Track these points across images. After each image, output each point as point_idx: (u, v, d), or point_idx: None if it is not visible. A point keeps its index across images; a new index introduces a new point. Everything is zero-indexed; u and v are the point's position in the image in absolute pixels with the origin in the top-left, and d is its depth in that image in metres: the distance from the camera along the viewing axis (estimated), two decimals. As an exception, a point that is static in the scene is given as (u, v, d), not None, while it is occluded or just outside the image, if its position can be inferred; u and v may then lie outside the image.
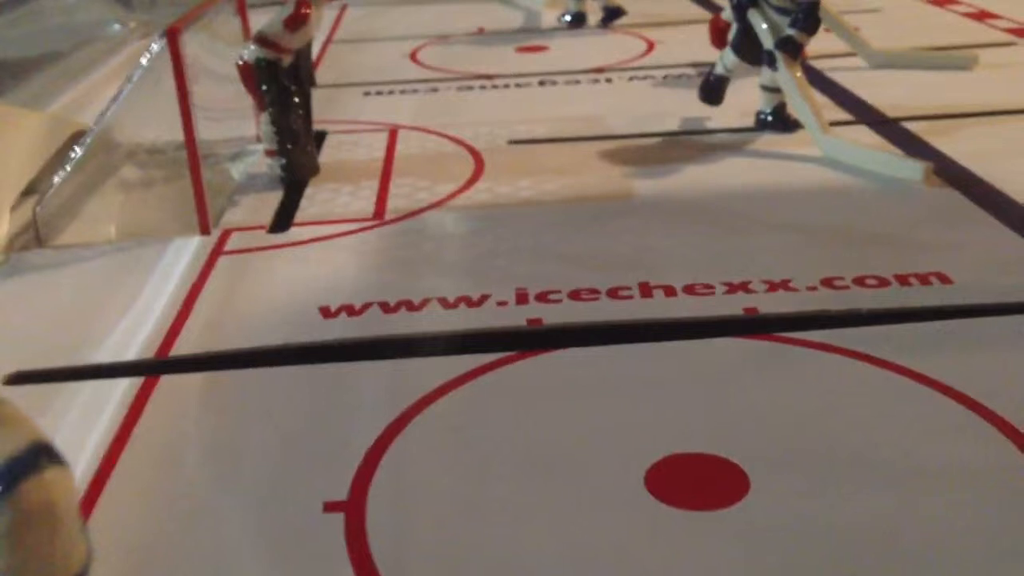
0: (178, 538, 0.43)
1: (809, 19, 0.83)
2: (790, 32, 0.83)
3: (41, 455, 0.21)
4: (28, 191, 0.79)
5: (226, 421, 0.51)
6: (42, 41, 1.25)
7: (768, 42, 0.84)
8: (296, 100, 0.80)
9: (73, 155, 0.75)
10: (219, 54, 0.87)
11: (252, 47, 0.78)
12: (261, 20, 0.91)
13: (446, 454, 0.47)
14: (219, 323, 0.61)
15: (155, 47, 0.72)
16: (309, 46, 0.81)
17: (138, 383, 0.54)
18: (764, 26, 0.84)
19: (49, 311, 0.64)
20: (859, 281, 0.60)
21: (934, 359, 0.52)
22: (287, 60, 0.79)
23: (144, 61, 0.73)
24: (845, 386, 0.51)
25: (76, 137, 0.81)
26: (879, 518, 0.41)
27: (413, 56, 1.27)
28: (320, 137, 0.93)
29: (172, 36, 0.67)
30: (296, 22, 0.77)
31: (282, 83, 0.79)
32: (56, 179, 0.74)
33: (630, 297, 0.59)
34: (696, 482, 0.44)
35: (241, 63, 0.79)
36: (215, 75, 0.83)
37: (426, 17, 1.52)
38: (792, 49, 0.84)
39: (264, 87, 0.79)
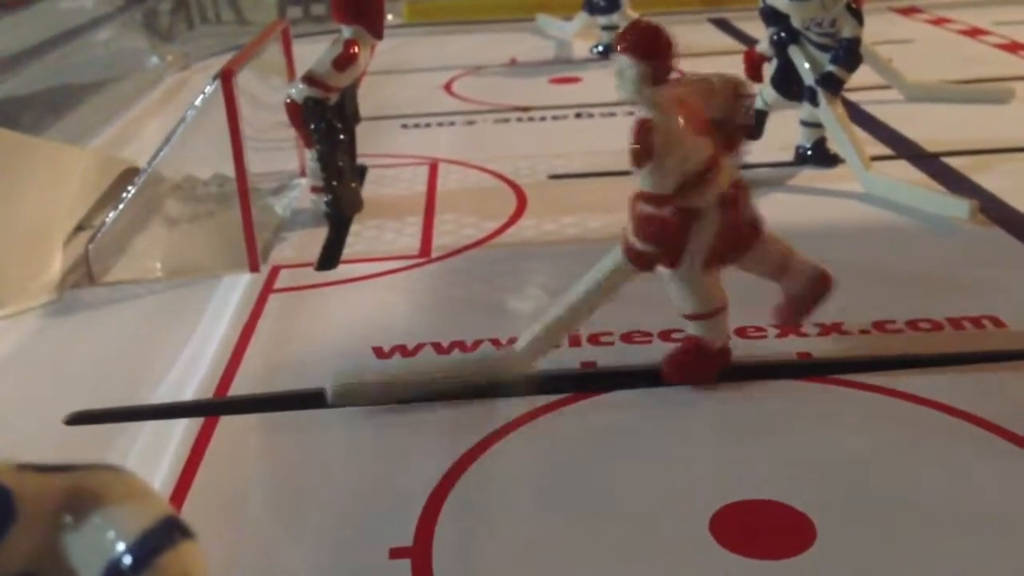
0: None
1: (850, 55, 0.84)
2: (831, 68, 0.84)
3: (174, 529, 0.22)
4: (78, 228, 0.81)
5: (287, 464, 0.52)
6: (81, 75, 1.27)
7: (809, 78, 0.85)
8: (342, 137, 0.81)
9: (126, 193, 0.76)
10: (260, 87, 0.88)
11: (300, 86, 0.79)
12: (301, 50, 0.93)
13: (507, 497, 0.48)
14: (275, 363, 0.61)
15: (209, 88, 0.73)
16: (355, 84, 0.82)
17: (198, 423, 0.55)
18: (805, 63, 0.85)
19: (105, 350, 0.65)
20: (912, 324, 0.61)
21: (994, 404, 0.52)
22: (334, 98, 0.80)
23: (198, 102, 0.74)
24: (907, 431, 0.51)
25: (127, 174, 0.82)
26: (948, 570, 0.41)
27: (448, 88, 1.28)
28: (362, 171, 0.94)
29: (226, 78, 0.68)
30: (345, 62, 0.78)
31: (329, 121, 0.80)
32: (108, 217, 0.76)
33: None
34: (762, 529, 0.44)
35: (289, 101, 0.80)
36: (257, 108, 0.85)
37: (457, 48, 1.54)
38: (833, 85, 0.84)
39: (311, 125, 0.80)
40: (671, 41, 0.52)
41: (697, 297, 0.54)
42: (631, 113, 0.52)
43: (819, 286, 0.56)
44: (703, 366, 0.55)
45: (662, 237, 0.52)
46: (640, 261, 0.53)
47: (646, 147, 0.50)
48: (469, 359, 0.59)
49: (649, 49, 0.51)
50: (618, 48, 0.51)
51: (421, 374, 0.57)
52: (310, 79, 0.79)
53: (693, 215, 0.52)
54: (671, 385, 0.55)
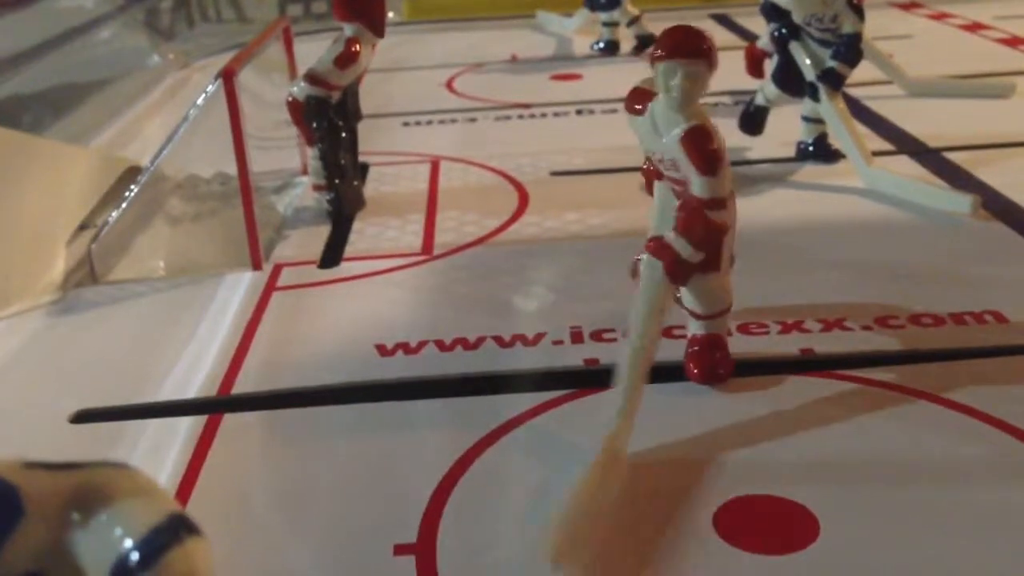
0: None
1: (851, 51, 0.84)
2: (832, 64, 0.84)
3: (181, 526, 0.22)
4: (80, 227, 0.81)
5: (292, 462, 0.52)
6: (83, 74, 1.27)
7: (810, 74, 0.85)
8: (344, 136, 0.81)
9: (129, 192, 0.76)
10: (262, 86, 0.88)
11: (302, 84, 0.79)
12: (302, 48, 0.93)
13: (512, 493, 0.48)
14: (278, 361, 0.61)
15: (210, 87, 0.73)
16: (357, 82, 0.82)
17: (202, 421, 0.55)
18: (806, 59, 0.85)
19: (109, 348, 0.65)
20: (914, 320, 0.61)
21: (997, 399, 0.52)
22: (336, 97, 0.80)
23: (200, 101, 0.74)
24: (910, 426, 0.51)
25: (128, 173, 0.82)
26: (953, 566, 0.41)
27: (449, 85, 1.28)
28: (363, 169, 0.94)
29: (228, 77, 0.69)
30: (347, 60, 0.78)
31: (331, 119, 0.80)
32: (111, 216, 0.76)
33: (684, 336, 0.60)
34: (766, 525, 0.44)
35: (291, 100, 0.80)
36: (259, 107, 0.85)
37: (458, 45, 1.54)
38: (834, 81, 0.84)
39: (313, 123, 0.80)
40: None
41: (720, 295, 0.53)
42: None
43: None
44: (718, 363, 0.55)
45: (717, 241, 0.51)
46: (685, 273, 0.51)
47: (714, 154, 0.49)
48: (589, 475, 0.46)
49: (713, 54, 0.50)
50: (684, 57, 0.49)
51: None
52: (312, 77, 0.79)
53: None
54: (668, 377, 0.55)
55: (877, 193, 0.81)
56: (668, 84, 0.49)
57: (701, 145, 0.49)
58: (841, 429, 0.51)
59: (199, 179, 0.89)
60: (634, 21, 1.38)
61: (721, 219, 0.50)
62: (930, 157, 0.90)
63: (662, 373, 0.56)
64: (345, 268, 0.74)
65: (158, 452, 0.53)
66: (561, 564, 0.41)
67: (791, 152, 0.91)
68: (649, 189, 0.56)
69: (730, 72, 1.08)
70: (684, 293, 0.54)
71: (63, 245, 0.77)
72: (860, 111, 1.02)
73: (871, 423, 0.51)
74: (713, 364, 0.55)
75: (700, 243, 0.50)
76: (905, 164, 0.89)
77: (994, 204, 0.77)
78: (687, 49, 0.49)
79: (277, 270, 0.74)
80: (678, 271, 0.51)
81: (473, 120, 1.12)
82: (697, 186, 0.50)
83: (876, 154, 0.86)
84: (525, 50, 1.44)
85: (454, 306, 0.67)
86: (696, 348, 0.55)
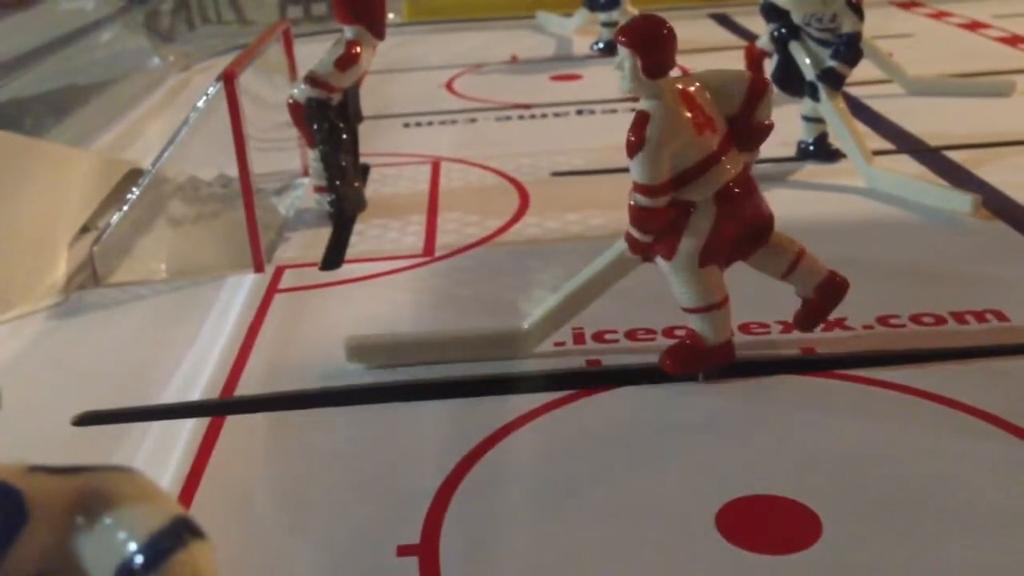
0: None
1: (851, 50, 0.84)
2: (832, 64, 0.84)
3: (184, 529, 0.22)
4: (83, 230, 0.81)
5: (294, 463, 0.52)
6: (84, 76, 1.27)
7: (810, 74, 0.85)
8: (345, 137, 0.82)
9: (130, 195, 0.76)
10: (262, 88, 0.88)
11: (303, 86, 0.79)
12: (302, 50, 0.93)
13: (514, 494, 0.48)
14: (281, 363, 0.62)
15: (211, 90, 0.73)
16: (357, 84, 0.82)
17: (205, 423, 0.55)
18: (806, 59, 0.85)
19: (111, 351, 0.65)
20: (916, 319, 0.61)
21: (998, 398, 0.52)
22: (337, 98, 0.80)
23: (201, 103, 0.74)
24: (912, 425, 0.51)
25: (130, 176, 0.82)
26: (953, 566, 0.41)
27: (449, 86, 1.28)
28: (364, 171, 0.94)
29: (228, 80, 0.69)
30: (347, 63, 0.78)
31: (332, 121, 0.80)
32: (113, 218, 0.76)
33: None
34: (768, 525, 0.44)
35: (291, 102, 0.80)
36: (259, 108, 0.85)
37: (459, 46, 1.54)
38: (834, 81, 0.84)
39: (314, 125, 0.80)
40: (672, 35, 0.52)
41: (694, 291, 0.54)
42: (633, 110, 0.53)
43: (829, 290, 0.56)
44: (695, 358, 0.55)
45: (650, 227, 0.53)
46: (636, 248, 0.55)
47: (638, 138, 0.51)
48: (481, 333, 0.61)
49: (647, 42, 0.51)
50: (619, 40, 0.52)
51: (433, 341, 0.61)
52: (313, 80, 0.79)
53: (688, 209, 0.53)
54: (671, 377, 0.55)
55: (877, 192, 0.81)
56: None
57: (632, 128, 0.51)
58: (842, 429, 0.51)
59: (200, 181, 0.89)
60: (634, 21, 1.38)
61: (644, 205, 0.52)
62: (930, 156, 0.90)
63: (662, 373, 0.56)
64: (347, 270, 0.75)
65: (161, 454, 0.53)
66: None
67: (791, 152, 0.91)
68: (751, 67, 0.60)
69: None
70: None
71: (65, 247, 0.77)
72: (860, 110, 1.02)
73: (871, 423, 0.51)
74: (668, 355, 0.56)
75: (631, 221, 0.54)
76: (905, 163, 0.89)
77: (995, 203, 0.77)
78: (625, 36, 0.52)
79: (279, 272, 0.74)
80: (630, 239, 0.55)
81: (473, 121, 1.12)
82: None
83: (876, 153, 0.86)
84: (525, 51, 1.45)
85: (456, 307, 0.67)
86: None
